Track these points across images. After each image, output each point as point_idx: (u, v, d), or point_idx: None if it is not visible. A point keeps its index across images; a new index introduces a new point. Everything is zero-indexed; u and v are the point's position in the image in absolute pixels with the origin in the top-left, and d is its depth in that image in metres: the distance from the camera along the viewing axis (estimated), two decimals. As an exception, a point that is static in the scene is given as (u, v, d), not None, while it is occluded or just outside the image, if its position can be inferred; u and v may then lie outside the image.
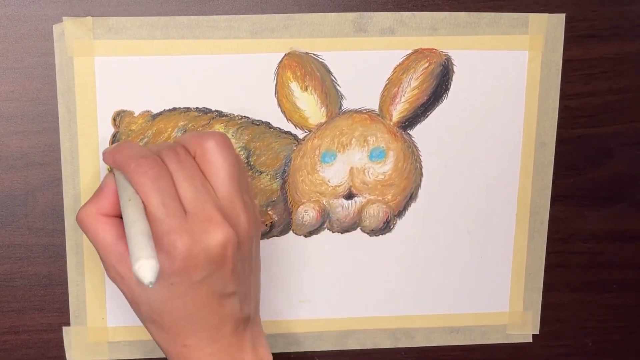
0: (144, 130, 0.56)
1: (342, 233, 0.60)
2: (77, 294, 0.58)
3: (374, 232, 0.60)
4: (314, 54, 0.56)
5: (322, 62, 0.56)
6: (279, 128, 0.57)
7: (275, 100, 0.57)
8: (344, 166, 0.58)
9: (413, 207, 0.60)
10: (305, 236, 0.59)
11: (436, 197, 0.60)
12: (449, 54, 0.57)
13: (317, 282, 0.60)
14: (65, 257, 0.57)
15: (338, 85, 0.57)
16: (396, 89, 0.57)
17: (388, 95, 0.58)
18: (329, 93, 0.57)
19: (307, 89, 0.57)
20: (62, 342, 0.58)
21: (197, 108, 0.56)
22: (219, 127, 0.56)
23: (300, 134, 0.57)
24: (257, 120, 0.57)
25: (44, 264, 0.57)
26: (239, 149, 0.57)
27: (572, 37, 0.58)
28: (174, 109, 0.56)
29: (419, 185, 0.59)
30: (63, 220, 0.56)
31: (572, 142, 0.60)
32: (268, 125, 0.57)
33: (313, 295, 0.60)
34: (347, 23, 0.56)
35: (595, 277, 0.63)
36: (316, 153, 0.58)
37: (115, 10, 0.54)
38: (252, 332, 0.50)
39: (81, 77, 0.55)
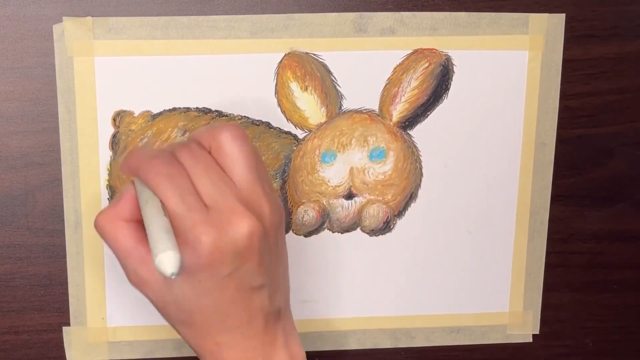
0: (144, 130, 0.56)
1: (342, 233, 0.60)
2: (77, 294, 0.58)
3: (374, 232, 0.60)
4: (314, 54, 0.56)
5: (322, 62, 0.56)
6: (279, 128, 0.57)
7: (275, 100, 0.57)
8: (344, 166, 0.58)
9: (413, 207, 0.60)
10: (305, 236, 0.59)
11: (436, 197, 0.60)
12: (449, 54, 0.57)
13: (317, 282, 0.60)
14: (65, 257, 0.57)
15: (338, 85, 0.57)
16: (396, 89, 0.57)
17: (388, 95, 0.58)
18: (329, 93, 0.57)
19: (307, 89, 0.57)
20: (62, 342, 0.58)
21: (197, 108, 0.56)
22: (219, 127, 0.56)
23: (300, 134, 0.57)
24: (257, 120, 0.57)
25: (44, 264, 0.57)
26: (239, 149, 0.57)
27: (572, 37, 0.58)
28: (174, 109, 0.56)
29: (419, 185, 0.59)
30: (63, 220, 0.56)
31: (572, 142, 0.60)
32: (268, 125, 0.57)
33: (313, 295, 0.60)
34: (347, 23, 0.56)
35: (595, 277, 0.63)
36: (316, 153, 0.58)
37: (115, 10, 0.54)
38: (284, 328, 0.49)
39: (81, 77, 0.55)
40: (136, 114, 0.56)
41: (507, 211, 0.61)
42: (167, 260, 0.42)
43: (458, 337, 0.62)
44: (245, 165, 0.47)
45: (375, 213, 0.59)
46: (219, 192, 0.46)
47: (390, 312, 0.61)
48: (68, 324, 0.58)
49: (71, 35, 0.54)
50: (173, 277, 0.42)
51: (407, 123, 0.58)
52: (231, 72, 0.56)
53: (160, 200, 0.46)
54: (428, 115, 0.58)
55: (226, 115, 0.56)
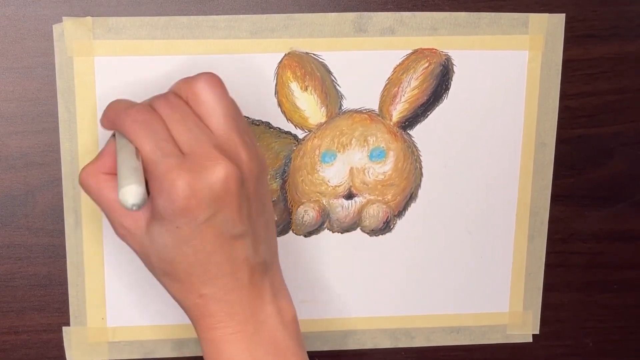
0: (144, 130, 0.56)
1: (342, 233, 0.60)
2: (77, 294, 0.58)
3: (374, 232, 0.60)
4: (314, 54, 0.56)
5: (322, 62, 0.56)
6: (279, 128, 0.57)
7: (275, 100, 0.57)
8: (344, 166, 0.58)
9: (413, 207, 0.60)
10: (305, 236, 0.59)
11: (436, 197, 0.60)
12: (449, 54, 0.57)
13: (317, 282, 0.60)
14: (65, 257, 0.57)
15: (338, 85, 0.57)
16: (396, 89, 0.57)
17: (388, 95, 0.58)
18: (329, 93, 0.57)
19: (307, 89, 0.57)
20: (62, 342, 0.58)
21: (197, 108, 0.56)
22: (219, 127, 0.56)
23: (300, 134, 0.57)
24: (257, 120, 0.57)
25: (44, 264, 0.57)
26: (239, 149, 0.57)
27: (572, 37, 0.58)
28: (174, 109, 0.56)
29: (419, 185, 0.59)
30: (63, 220, 0.56)
31: (572, 142, 0.60)
32: (268, 125, 0.57)
33: (313, 295, 0.60)
34: (347, 23, 0.56)
35: (595, 277, 0.63)
36: (316, 153, 0.58)
37: (115, 10, 0.54)
38: (272, 282, 0.49)
39: (81, 77, 0.55)
40: (136, 114, 0.56)
41: (507, 211, 0.61)
42: (128, 192, 0.43)
43: (458, 337, 0.62)
44: (222, 113, 0.47)
45: (375, 213, 0.59)
46: (194, 138, 0.46)
47: (390, 312, 0.61)
48: (68, 324, 0.58)
49: (71, 35, 0.54)
50: (134, 208, 0.43)
51: (407, 123, 0.58)
52: (231, 72, 0.56)
53: (136, 147, 0.46)
54: (428, 115, 0.58)
55: (226, 115, 0.56)
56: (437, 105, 0.58)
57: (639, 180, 0.62)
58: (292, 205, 0.59)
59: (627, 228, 0.63)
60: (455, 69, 0.58)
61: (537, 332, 0.63)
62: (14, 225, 0.56)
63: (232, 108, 0.48)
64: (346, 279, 0.60)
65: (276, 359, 0.48)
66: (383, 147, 0.58)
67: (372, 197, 0.59)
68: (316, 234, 0.59)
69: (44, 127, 0.55)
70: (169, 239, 0.46)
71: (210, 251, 0.46)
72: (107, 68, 0.55)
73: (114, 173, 0.47)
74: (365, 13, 0.56)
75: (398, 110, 0.58)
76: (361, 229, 0.60)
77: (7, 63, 0.54)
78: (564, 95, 0.59)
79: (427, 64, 0.57)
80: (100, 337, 0.58)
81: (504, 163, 0.60)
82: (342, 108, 0.57)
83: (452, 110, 0.58)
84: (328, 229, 0.59)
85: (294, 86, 0.57)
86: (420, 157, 0.59)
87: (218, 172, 0.45)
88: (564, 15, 0.58)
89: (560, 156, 0.60)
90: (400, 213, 0.60)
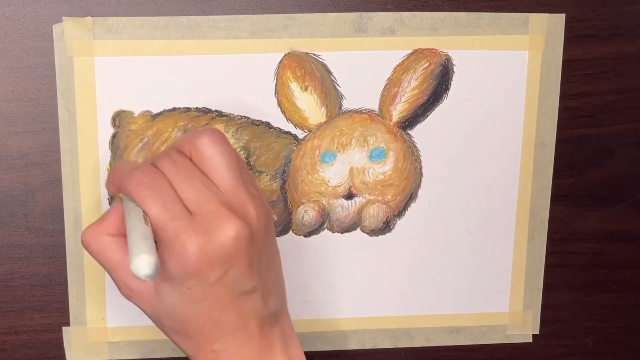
0: (144, 130, 0.56)
1: (342, 233, 0.60)
2: (77, 294, 0.58)
3: (374, 232, 0.60)
4: (314, 54, 0.56)
5: (322, 62, 0.56)
6: (279, 128, 0.57)
7: (275, 100, 0.57)
8: (343, 166, 0.58)
9: (413, 207, 0.60)
10: (305, 236, 0.59)
11: (436, 197, 0.60)
12: (449, 54, 0.57)
13: (317, 282, 0.60)
14: (65, 257, 0.57)
15: (338, 85, 0.57)
16: (396, 89, 0.57)
17: (388, 95, 0.58)
18: (329, 93, 0.57)
19: (307, 89, 0.57)
20: (62, 342, 0.58)
21: (197, 108, 0.56)
22: (218, 127, 0.56)
23: (300, 134, 0.57)
24: (257, 120, 0.57)
25: (44, 264, 0.57)
26: (239, 149, 0.57)
27: (572, 37, 0.58)
28: (174, 109, 0.56)
29: (419, 185, 0.59)
30: (63, 220, 0.56)
31: (572, 142, 0.60)
32: (268, 125, 0.57)
33: (313, 295, 0.60)
34: (347, 23, 0.56)
35: (595, 277, 0.63)
36: (316, 153, 0.58)
37: (115, 10, 0.54)
38: (282, 331, 0.49)
39: (81, 77, 0.55)
40: (136, 114, 0.56)
41: (507, 211, 0.61)
42: (141, 263, 0.42)
43: (458, 337, 0.62)
44: (227, 168, 0.47)
45: (375, 213, 0.59)
46: (202, 197, 0.45)
47: (390, 312, 0.61)
48: (68, 324, 0.58)
49: (71, 35, 0.54)
50: (147, 279, 0.42)
51: (407, 123, 0.58)
52: (231, 72, 0.56)
53: (143, 210, 0.45)
54: (428, 115, 0.58)
55: (226, 115, 0.56)
56: (437, 105, 0.58)
57: (639, 180, 0.62)
58: (292, 205, 0.59)
59: (627, 228, 0.63)
60: (455, 69, 0.58)
61: (537, 332, 0.63)
62: (14, 225, 0.56)
63: (236, 161, 0.47)
64: (346, 279, 0.60)
65: None
66: (383, 147, 0.58)
67: (372, 197, 0.59)
68: (316, 234, 0.59)
69: (44, 127, 0.55)
70: (180, 300, 0.46)
71: (222, 309, 0.46)
72: (107, 68, 0.55)
73: (118, 234, 0.47)
74: (365, 13, 0.56)
75: (398, 111, 0.58)
76: (361, 229, 0.60)
77: (7, 63, 0.54)
78: (564, 95, 0.59)
79: (427, 64, 0.57)
80: (100, 337, 0.58)
81: (504, 163, 0.60)
82: (342, 108, 0.57)
83: (452, 110, 0.58)
84: (328, 229, 0.59)
85: (294, 86, 0.57)
86: (420, 157, 0.59)
87: (228, 232, 0.45)
88: (564, 15, 0.58)
89: (560, 156, 0.60)
90: (400, 213, 0.60)
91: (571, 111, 0.60)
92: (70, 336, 0.58)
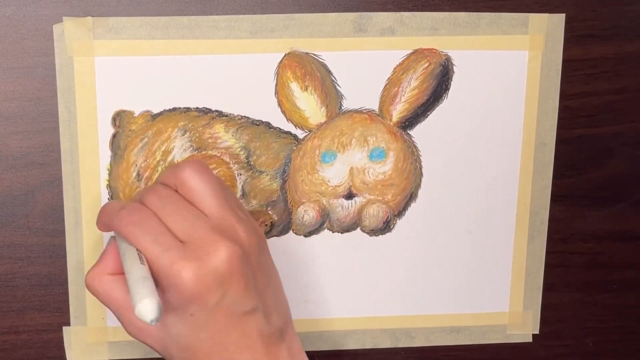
0: (144, 130, 0.56)
1: (342, 233, 0.60)
2: (77, 294, 0.58)
3: (374, 232, 0.60)
4: (314, 54, 0.56)
5: (322, 62, 0.56)
6: (279, 128, 0.57)
7: (275, 100, 0.57)
8: (344, 166, 0.58)
9: (413, 207, 0.60)
10: (305, 236, 0.59)
11: (436, 197, 0.60)
12: (449, 54, 0.57)
13: (317, 282, 0.60)
14: (65, 257, 0.57)
15: (338, 85, 0.57)
16: (396, 89, 0.58)
17: (388, 95, 0.58)
18: (329, 93, 0.57)
19: (307, 89, 0.57)
20: (62, 342, 0.58)
21: (197, 108, 0.56)
22: (219, 127, 0.56)
23: (300, 134, 0.57)
24: (257, 120, 0.57)
25: (44, 264, 0.57)
26: (239, 149, 0.57)
27: (572, 37, 0.58)
28: (174, 109, 0.56)
29: (419, 185, 0.59)
30: (63, 220, 0.56)
31: (572, 142, 0.60)
32: (268, 125, 0.57)
33: (313, 295, 0.60)
34: (347, 23, 0.56)
35: (595, 277, 0.63)
36: (316, 153, 0.58)
37: (115, 10, 0.54)
38: (289, 348, 0.49)
39: (81, 77, 0.55)
40: (136, 114, 0.56)
41: (507, 211, 0.61)
42: (144, 308, 0.43)
43: (458, 337, 0.62)
44: (212, 195, 0.48)
45: (375, 213, 0.59)
46: (190, 225, 0.46)
47: (390, 312, 0.61)
48: (68, 324, 0.58)
49: (71, 35, 0.54)
50: (154, 323, 0.43)
51: (407, 123, 0.58)
52: (231, 72, 0.56)
53: (136, 248, 0.46)
54: (428, 115, 0.58)
55: (226, 115, 0.56)
56: (437, 105, 0.58)
57: (639, 180, 0.62)
58: (292, 205, 0.59)
59: (627, 228, 0.63)
60: (455, 69, 0.58)
61: (537, 332, 0.63)
62: (14, 225, 0.56)
63: (221, 188, 0.49)
64: (346, 279, 0.60)
65: None
66: (383, 147, 0.58)
67: (372, 197, 0.59)
68: (316, 234, 0.59)
69: (44, 127, 0.55)
70: (184, 328, 0.47)
71: (226, 331, 0.47)
72: (107, 68, 0.55)
73: (118, 273, 0.48)
74: (365, 13, 0.56)
75: (398, 110, 0.58)
76: (361, 229, 0.60)
77: (7, 63, 0.54)
78: (564, 95, 0.59)
79: (427, 64, 0.57)
80: (100, 337, 0.58)
81: (504, 163, 0.60)
82: (342, 108, 0.57)
83: (452, 110, 0.58)
84: (328, 229, 0.59)
85: (294, 86, 0.57)
86: (420, 157, 0.59)
87: (220, 254, 0.45)
88: (564, 15, 0.58)
89: (560, 156, 0.60)
90: (400, 213, 0.60)
91: (571, 111, 0.60)
92: (70, 336, 0.58)
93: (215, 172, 0.57)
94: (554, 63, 0.59)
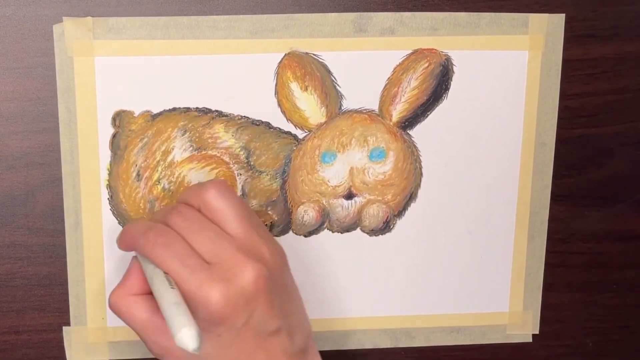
0: (144, 130, 0.56)
1: (342, 233, 0.60)
2: (77, 294, 0.58)
3: (374, 232, 0.60)
4: (314, 54, 0.56)
5: (322, 62, 0.56)
6: (279, 128, 0.57)
7: (275, 100, 0.57)
8: (343, 166, 0.58)
9: (413, 207, 0.60)
10: (305, 236, 0.59)
11: (436, 197, 0.60)
12: (449, 54, 0.57)
13: (317, 282, 0.60)
14: (65, 257, 0.57)
15: (338, 85, 0.57)
16: (396, 89, 0.58)
17: (388, 95, 0.58)
18: (329, 93, 0.57)
19: (307, 89, 0.57)
20: (62, 342, 0.58)
21: (197, 108, 0.56)
22: (219, 127, 0.56)
23: (300, 134, 0.57)
24: (257, 120, 0.57)
25: (44, 264, 0.57)
26: (239, 149, 0.57)
27: (572, 37, 0.58)
28: (174, 109, 0.56)
29: (419, 185, 0.59)
30: (63, 220, 0.56)
31: (572, 142, 0.60)
32: (268, 125, 0.57)
33: (313, 295, 0.60)
34: (347, 23, 0.56)
35: (595, 277, 0.63)
36: (316, 153, 0.58)
37: (115, 10, 0.54)
38: None
39: (81, 77, 0.55)
40: (136, 114, 0.56)
41: (507, 211, 0.61)
42: (186, 338, 0.43)
43: (458, 337, 0.62)
44: (237, 216, 0.48)
45: (375, 213, 0.59)
46: (217, 247, 0.47)
47: (390, 312, 0.61)
48: (68, 324, 0.58)
49: (71, 35, 0.54)
50: (197, 352, 0.43)
51: (407, 123, 0.58)
52: (231, 72, 0.56)
53: (163, 270, 0.47)
54: (428, 115, 0.58)
55: (226, 115, 0.56)
56: (437, 105, 0.58)
57: (639, 180, 0.62)
58: (292, 205, 0.59)
59: (627, 228, 0.63)
60: (455, 69, 0.58)
61: (537, 332, 0.63)
62: (14, 225, 0.56)
63: (244, 209, 0.49)
64: (346, 279, 0.60)
65: None
66: (383, 147, 0.58)
67: (372, 197, 0.59)
68: (316, 234, 0.59)
69: (44, 127, 0.55)
70: (212, 348, 0.47)
71: (252, 351, 0.47)
72: (107, 68, 0.55)
73: (142, 293, 0.49)
74: (365, 13, 0.56)
75: (398, 110, 0.58)
76: (361, 229, 0.60)
77: (7, 63, 0.54)
78: (564, 95, 0.59)
79: (427, 64, 0.57)
80: (100, 337, 0.58)
81: (504, 163, 0.60)
82: (342, 108, 0.57)
83: (452, 110, 0.58)
84: (328, 229, 0.59)
85: (294, 86, 0.57)
86: (420, 157, 0.59)
87: (247, 275, 0.46)
88: (563, 15, 0.58)
89: (560, 156, 0.60)
90: (400, 213, 0.60)
91: (571, 111, 0.60)
92: (70, 336, 0.58)
93: (215, 172, 0.57)
94: (554, 63, 0.59)
